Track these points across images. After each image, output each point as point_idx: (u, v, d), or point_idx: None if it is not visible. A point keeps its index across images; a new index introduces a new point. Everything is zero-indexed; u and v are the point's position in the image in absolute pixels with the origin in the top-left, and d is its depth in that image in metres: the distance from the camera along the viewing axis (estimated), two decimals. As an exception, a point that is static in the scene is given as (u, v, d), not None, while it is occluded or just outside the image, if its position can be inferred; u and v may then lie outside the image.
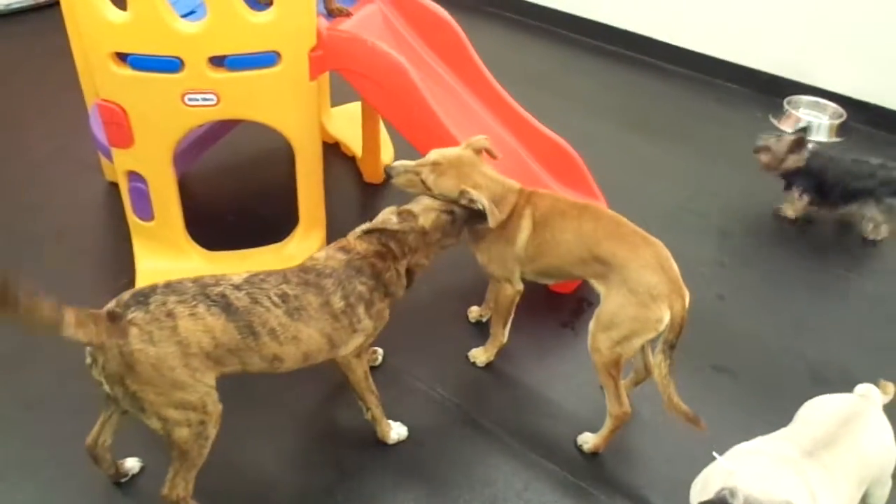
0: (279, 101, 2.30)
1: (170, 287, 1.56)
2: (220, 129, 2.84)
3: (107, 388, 1.56)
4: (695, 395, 2.26)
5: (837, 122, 3.80)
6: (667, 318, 1.85)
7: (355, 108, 3.18)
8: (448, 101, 2.80)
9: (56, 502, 1.89)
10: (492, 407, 2.21)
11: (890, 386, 1.83)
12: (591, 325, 1.96)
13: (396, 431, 2.05)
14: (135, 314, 1.50)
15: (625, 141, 3.66)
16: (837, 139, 3.79)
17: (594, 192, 2.86)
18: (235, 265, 2.53)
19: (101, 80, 2.17)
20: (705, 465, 2.07)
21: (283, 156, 2.57)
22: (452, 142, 2.38)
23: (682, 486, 2.02)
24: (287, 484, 1.97)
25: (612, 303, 1.92)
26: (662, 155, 3.57)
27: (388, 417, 2.07)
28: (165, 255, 2.48)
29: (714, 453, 1.60)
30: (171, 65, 2.09)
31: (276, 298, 1.64)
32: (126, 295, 1.55)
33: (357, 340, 1.81)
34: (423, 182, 2.01)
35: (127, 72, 2.11)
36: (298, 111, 2.37)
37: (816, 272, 2.86)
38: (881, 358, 2.46)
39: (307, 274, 1.73)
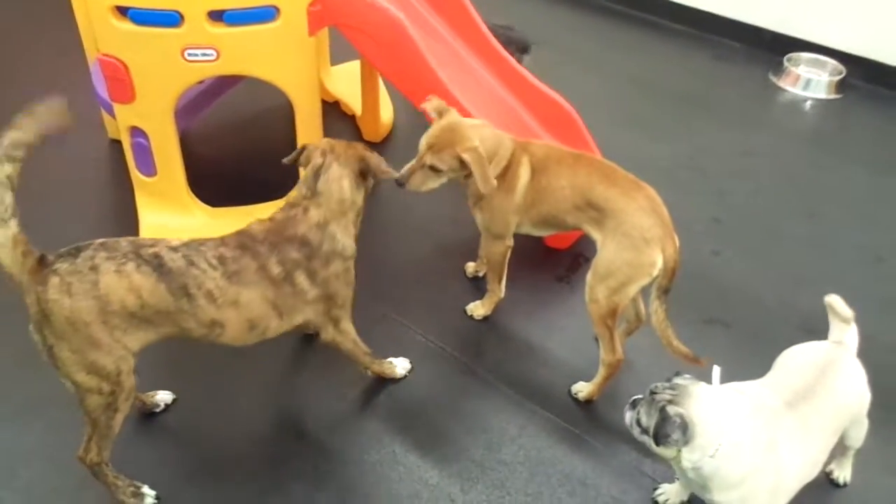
0: (278, 56, 2.31)
1: (104, 245, 1.54)
2: (221, 86, 2.85)
3: (33, 334, 1.53)
4: (688, 345, 2.32)
5: (837, 78, 3.79)
6: (660, 262, 1.90)
7: (355, 66, 3.18)
8: (446, 57, 2.80)
9: (64, 441, 1.94)
10: (489, 358, 2.27)
11: (840, 309, 1.86)
12: (589, 276, 2.00)
13: (402, 366, 2.14)
14: (60, 265, 1.48)
15: (624, 99, 3.66)
16: (837, 95, 3.79)
17: (591, 149, 2.87)
18: (238, 221, 2.53)
19: (101, 34, 2.18)
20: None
21: (283, 113, 2.58)
22: (449, 97, 2.39)
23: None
24: (286, 429, 2.05)
25: (607, 250, 1.96)
26: (661, 113, 3.58)
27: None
28: (169, 210, 2.52)
29: (715, 367, 1.68)
30: (171, 18, 2.10)
31: (213, 261, 1.62)
32: (67, 248, 1.53)
33: (314, 309, 1.79)
34: (432, 168, 2.01)
35: (127, 26, 2.12)
36: (297, 67, 2.38)
37: (813, 227, 2.89)
38: (874, 310, 2.51)
39: (243, 237, 1.71)
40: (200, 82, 2.55)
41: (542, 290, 2.52)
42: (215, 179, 2.79)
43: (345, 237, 1.80)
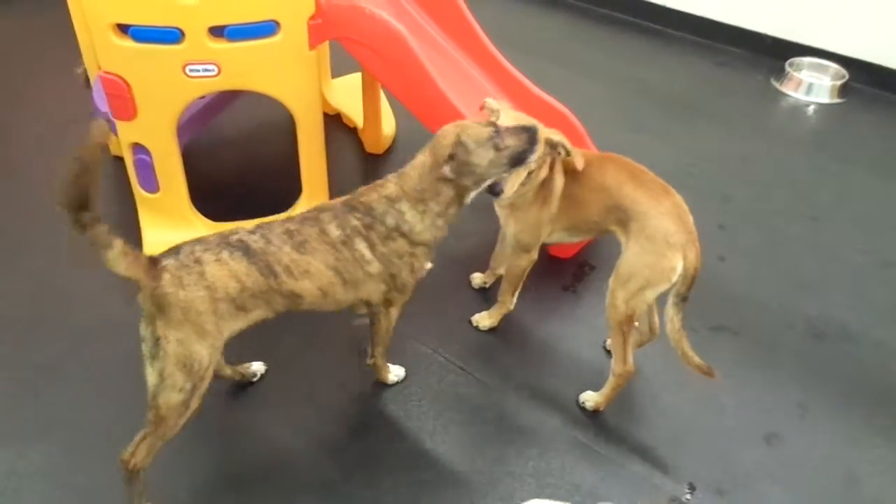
0: (279, 70, 2.31)
1: (197, 240, 1.67)
2: (223, 101, 2.86)
3: (141, 327, 1.64)
4: (697, 352, 2.30)
5: (839, 83, 3.78)
6: (680, 268, 1.88)
7: (356, 78, 3.18)
8: (447, 68, 2.80)
9: (68, 462, 1.95)
10: (494, 368, 2.25)
11: None
12: (611, 281, 1.98)
13: (395, 374, 2.17)
14: (167, 261, 1.60)
15: (627, 107, 3.65)
16: (839, 100, 3.78)
17: (595, 157, 2.87)
18: (241, 235, 2.57)
19: (102, 52, 2.19)
20: (704, 421, 2.13)
21: (285, 127, 2.58)
22: (452, 109, 2.39)
23: (682, 442, 2.08)
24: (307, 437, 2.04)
25: (630, 252, 1.95)
26: (665, 120, 3.57)
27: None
28: (171, 226, 2.51)
29: None
30: (172, 35, 2.10)
31: (283, 236, 1.71)
32: (165, 250, 1.65)
33: (376, 286, 1.83)
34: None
35: (128, 43, 2.12)
36: (299, 81, 2.38)
37: (818, 232, 2.87)
38: (879, 316, 2.49)
39: (311, 210, 1.81)
40: (202, 97, 2.55)
41: (548, 299, 2.51)
42: (218, 194, 2.79)
43: (416, 220, 1.79)
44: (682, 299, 1.90)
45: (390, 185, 1.80)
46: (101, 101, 2.52)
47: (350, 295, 1.82)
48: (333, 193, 2.72)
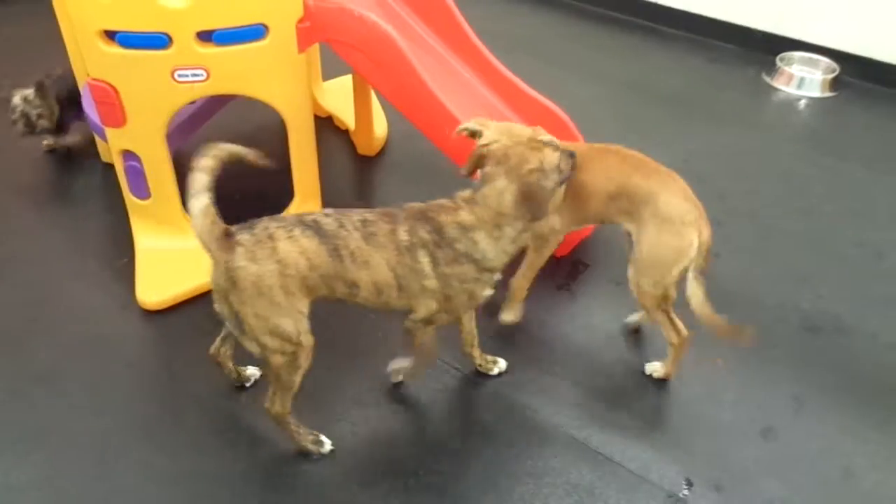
0: (269, 74, 2.31)
1: (273, 218, 1.72)
2: (213, 106, 2.85)
3: (217, 305, 1.69)
4: (692, 349, 2.30)
5: (830, 76, 3.79)
6: (696, 244, 1.94)
7: (347, 81, 3.18)
8: (438, 69, 2.80)
9: (63, 473, 1.94)
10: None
11: None
12: (630, 271, 2.03)
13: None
14: (242, 235, 1.65)
15: (619, 104, 3.65)
16: (831, 94, 3.79)
17: (587, 156, 2.87)
18: (234, 240, 2.56)
19: (90, 59, 2.18)
20: (701, 417, 2.13)
21: (276, 131, 2.58)
22: (443, 111, 2.39)
23: (678, 438, 2.08)
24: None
25: (647, 240, 1.98)
26: (658, 117, 3.57)
27: (394, 386, 2.13)
28: (164, 232, 2.50)
29: None
30: (159, 41, 2.09)
31: (357, 223, 1.74)
32: (240, 224, 1.70)
33: (427, 302, 1.81)
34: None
35: (116, 50, 2.12)
36: (288, 84, 2.38)
37: (811, 226, 2.87)
38: (873, 309, 2.50)
39: (391, 208, 1.81)
40: (192, 103, 2.54)
41: (543, 298, 2.50)
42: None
43: (490, 247, 1.77)
44: (702, 272, 1.96)
45: (464, 213, 1.75)
46: (90, 109, 2.52)
47: (402, 302, 1.82)
48: (326, 196, 2.72)
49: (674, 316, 2.06)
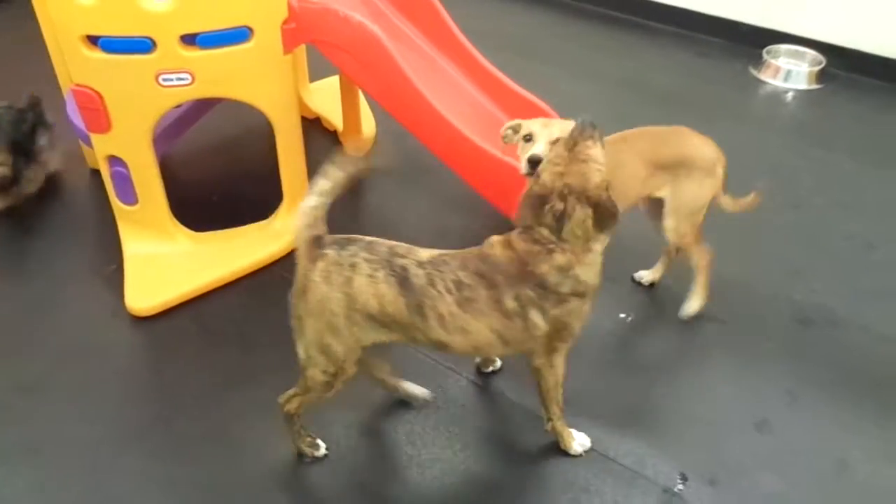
0: (254, 76, 2.29)
1: (369, 245, 1.63)
2: (199, 109, 2.83)
3: (291, 297, 1.66)
4: (684, 343, 2.31)
5: (817, 69, 3.80)
6: (722, 172, 2.20)
7: (334, 82, 3.16)
8: (425, 68, 2.79)
9: (55, 483, 1.92)
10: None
11: None
12: (671, 223, 2.20)
13: (580, 442, 1.98)
14: (329, 251, 1.60)
15: (609, 101, 3.65)
16: (818, 86, 3.80)
17: (576, 152, 2.86)
18: (222, 245, 2.55)
19: (73, 64, 2.16)
20: (694, 411, 2.13)
21: (264, 133, 2.56)
22: (431, 110, 2.38)
23: (672, 433, 2.08)
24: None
25: (688, 192, 2.16)
26: (648, 112, 3.55)
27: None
28: (151, 238, 2.48)
29: None
30: (143, 45, 2.07)
31: (450, 284, 1.61)
32: (343, 236, 1.65)
33: (541, 342, 1.72)
34: (553, 141, 1.98)
35: (99, 55, 2.10)
36: (275, 86, 2.36)
37: (801, 218, 2.88)
38: (865, 301, 2.50)
39: (484, 264, 1.64)
40: (177, 107, 2.53)
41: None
42: (198, 204, 2.77)
43: (590, 275, 1.67)
44: (724, 191, 2.23)
45: (559, 255, 1.62)
46: (74, 115, 2.49)
47: (508, 351, 1.74)
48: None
49: (702, 239, 2.27)
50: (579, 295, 1.67)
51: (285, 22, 2.27)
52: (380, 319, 1.62)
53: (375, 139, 3.25)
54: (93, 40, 2.09)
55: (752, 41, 4.02)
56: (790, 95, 3.75)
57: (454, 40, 2.84)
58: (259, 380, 2.17)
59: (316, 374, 1.71)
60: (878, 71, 3.80)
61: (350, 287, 1.58)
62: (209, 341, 2.30)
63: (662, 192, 2.19)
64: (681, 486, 1.91)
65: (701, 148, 2.17)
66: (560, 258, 1.62)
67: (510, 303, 1.62)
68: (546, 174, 1.64)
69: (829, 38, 3.87)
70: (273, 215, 2.63)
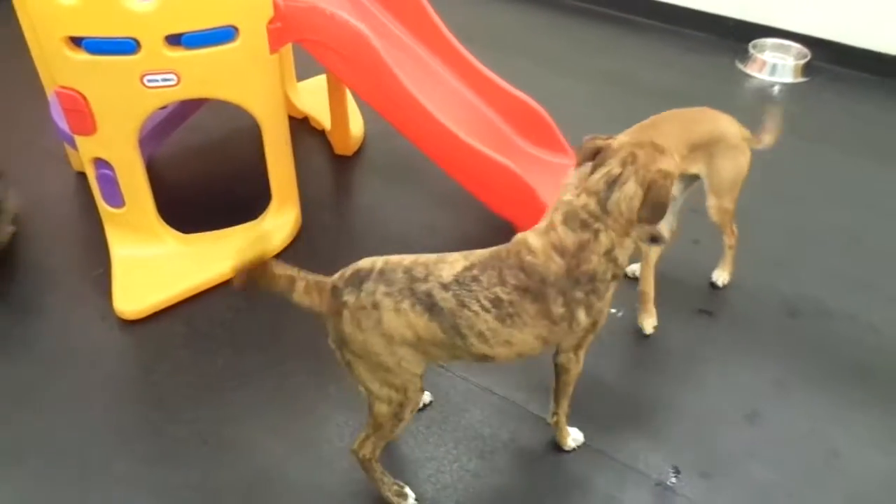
0: (241, 76, 2.28)
1: (382, 276, 1.54)
2: (186, 110, 2.81)
3: (332, 345, 1.63)
4: (675, 337, 2.32)
5: (802, 62, 3.82)
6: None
7: (321, 80, 3.15)
8: (412, 66, 2.78)
9: (45, 491, 1.90)
10: (473, 366, 2.23)
11: None
12: (712, 201, 2.24)
13: (573, 438, 1.99)
14: (348, 297, 1.54)
15: (598, 97, 3.66)
16: (803, 79, 3.82)
17: (564, 149, 2.88)
18: (211, 246, 2.54)
19: (56, 66, 2.14)
20: (686, 404, 2.14)
21: (251, 133, 2.55)
22: (419, 108, 2.37)
23: (664, 426, 2.08)
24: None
25: (726, 168, 2.20)
26: (637, 109, 3.50)
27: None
28: (139, 241, 2.47)
29: None
30: (127, 46, 2.06)
31: (486, 303, 1.54)
32: (349, 271, 1.58)
33: (576, 335, 1.70)
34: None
35: (82, 56, 2.08)
36: (261, 86, 2.35)
37: (788, 211, 2.90)
38: (852, 291, 2.52)
39: (529, 277, 1.55)
40: (164, 108, 2.51)
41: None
42: (186, 205, 2.75)
43: (625, 259, 1.63)
44: None
45: (603, 236, 1.56)
46: (59, 117, 2.47)
47: (546, 350, 1.71)
48: (304, 198, 2.69)
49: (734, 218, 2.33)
50: (616, 278, 1.64)
51: (271, 21, 2.26)
52: (421, 347, 1.57)
53: (364, 138, 3.24)
54: (76, 41, 2.07)
55: (737, 36, 4.04)
56: (776, 89, 3.77)
57: (442, 38, 2.84)
58: (250, 381, 2.17)
59: (382, 408, 1.65)
60: (863, 64, 3.83)
61: (381, 327, 1.52)
62: (199, 344, 2.29)
63: (696, 169, 2.21)
64: (674, 479, 1.92)
65: (732, 125, 2.22)
66: (605, 240, 1.57)
67: (559, 310, 1.58)
68: (622, 136, 1.66)
69: (813, 31, 3.89)
70: (262, 216, 2.61)
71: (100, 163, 2.33)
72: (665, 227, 2.02)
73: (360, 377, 1.62)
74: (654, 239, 1.69)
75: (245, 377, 2.18)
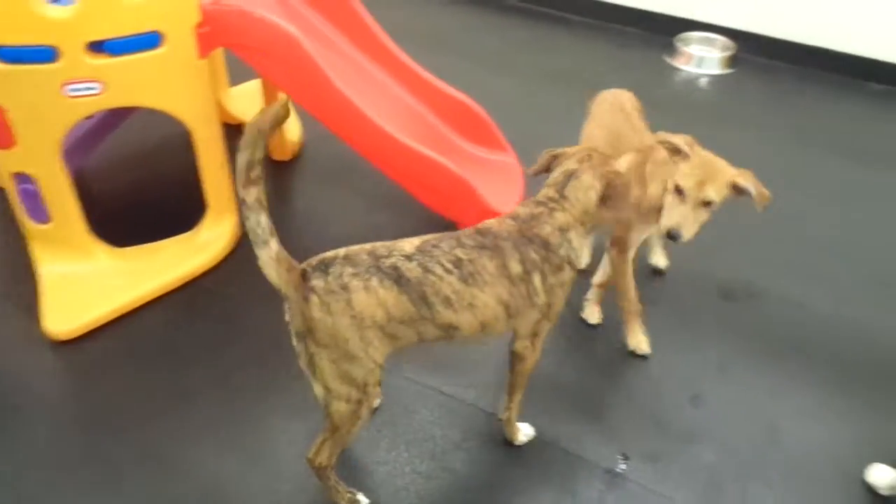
0: (169, 83, 2.22)
1: (347, 259, 1.56)
2: (113, 119, 2.72)
3: (294, 341, 1.58)
4: (617, 327, 2.36)
5: (727, 54, 3.95)
6: None
7: (255, 85, 3.09)
8: (346, 69, 2.76)
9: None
10: (418, 365, 2.23)
11: None
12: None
13: (524, 433, 2.01)
14: (316, 282, 1.52)
15: (534, 94, 3.70)
16: (729, 70, 3.95)
17: (504, 147, 2.90)
18: (146, 260, 2.46)
19: (-31, 77, 2.03)
20: (631, 391, 2.18)
21: (184, 141, 2.48)
22: (355, 111, 2.35)
23: (611, 414, 2.12)
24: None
25: None
26: (571, 104, 3.60)
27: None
28: (69, 257, 2.37)
29: None
30: (45, 54, 1.97)
31: (448, 265, 1.60)
32: (315, 260, 1.56)
33: (533, 317, 1.74)
34: (706, 204, 1.94)
35: (-2, 66, 1.98)
36: (191, 93, 2.29)
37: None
38: (781, 272, 2.63)
39: (484, 237, 1.66)
40: (89, 117, 2.42)
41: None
42: (118, 218, 2.66)
43: (580, 245, 1.74)
44: None
45: (559, 214, 1.70)
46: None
47: (506, 327, 1.73)
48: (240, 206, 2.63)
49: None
50: (570, 264, 1.72)
51: (198, 26, 2.20)
52: (389, 329, 1.57)
53: (302, 143, 3.20)
54: (-10, 51, 1.98)
55: (665, 30, 4.16)
56: (704, 81, 3.89)
57: (375, 39, 2.82)
58: (193, 397, 2.10)
59: (340, 407, 1.62)
60: (785, 54, 3.99)
61: (352, 308, 1.52)
62: (138, 361, 2.21)
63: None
64: (623, 466, 1.96)
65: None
66: (560, 217, 1.70)
67: (516, 266, 1.65)
68: (577, 146, 1.79)
69: (737, 24, 4.04)
70: (197, 226, 2.54)
71: (21, 177, 2.23)
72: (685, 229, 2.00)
73: (321, 372, 1.58)
74: (672, 236, 1.90)
75: (190, 393, 2.11)
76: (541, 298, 1.70)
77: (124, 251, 2.46)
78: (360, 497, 1.83)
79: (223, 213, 2.56)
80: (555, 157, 1.80)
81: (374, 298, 1.53)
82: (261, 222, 1.45)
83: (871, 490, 1.93)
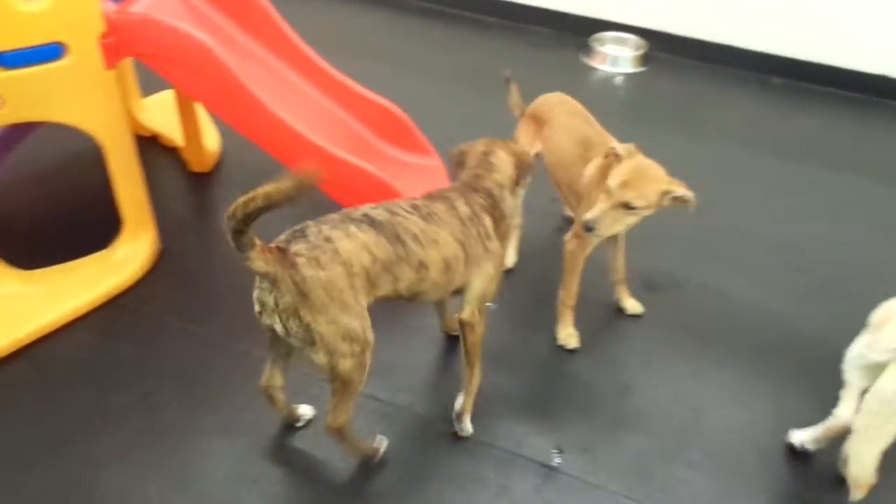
0: (74, 96, 2.12)
1: (319, 222, 1.66)
2: (15, 135, 2.58)
3: (280, 326, 1.61)
4: (545, 324, 2.40)
5: (640, 53, 4.09)
6: None
7: (169, 95, 3.00)
8: (263, 76, 2.71)
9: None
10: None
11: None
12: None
13: (465, 428, 2.05)
14: (297, 246, 1.58)
15: (452, 96, 3.73)
16: (642, 68, 4.09)
17: (426, 150, 2.91)
18: (58, 281, 2.35)
19: None
20: (561, 387, 2.22)
21: (94, 156, 2.37)
22: (271, 117, 2.32)
23: (543, 410, 2.15)
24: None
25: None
26: (489, 104, 3.65)
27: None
28: (-27, 282, 2.24)
29: None
30: (-68, 69, 1.86)
31: (408, 208, 1.78)
32: (284, 235, 1.63)
33: (486, 267, 1.88)
34: (627, 207, 2.00)
35: None
36: (99, 105, 2.20)
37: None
38: (700, 262, 2.74)
39: (432, 193, 1.90)
40: (-11, 134, 2.29)
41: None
42: (26, 239, 2.53)
43: (512, 207, 1.99)
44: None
45: (496, 174, 1.95)
46: None
47: (465, 276, 1.86)
48: (160, 221, 2.55)
49: None
50: (509, 217, 1.96)
51: (104, 35, 2.12)
52: (373, 273, 1.66)
53: (220, 153, 3.12)
54: None
55: (579, 30, 4.27)
56: (618, 79, 4.02)
57: (291, 45, 2.78)
58: (115, 422, 2.02)
59: (346, 364, 1.67)
60: (695, 52, 4.16)
61: (340, 256, 1.60)
62: (53, 388, 2.10)
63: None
64: (558, 460, 1.99)
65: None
66: (497, 176, 1.95)
67: (462, 207, 1.85)
68: (481, 139, 2.02)
69: (649, 23, 4.18)
70: (113, 244, 2.44)
71: (-85, 201, 2.09)
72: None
73: (321, 338, 1.61)
74: (588, 228, 2.02)
75: (109, 418, 2.03)
76: (494, 245, 1.89)
77: (34, 273, 2.34)
78: (380, 436, 1.96)
79: (140, 228, 2.47)
80: (463, 152, 2.02)
81: (358, 242, 1.64)
82: (249, 236, 1.52)
83: (788, 462, 2.01)
